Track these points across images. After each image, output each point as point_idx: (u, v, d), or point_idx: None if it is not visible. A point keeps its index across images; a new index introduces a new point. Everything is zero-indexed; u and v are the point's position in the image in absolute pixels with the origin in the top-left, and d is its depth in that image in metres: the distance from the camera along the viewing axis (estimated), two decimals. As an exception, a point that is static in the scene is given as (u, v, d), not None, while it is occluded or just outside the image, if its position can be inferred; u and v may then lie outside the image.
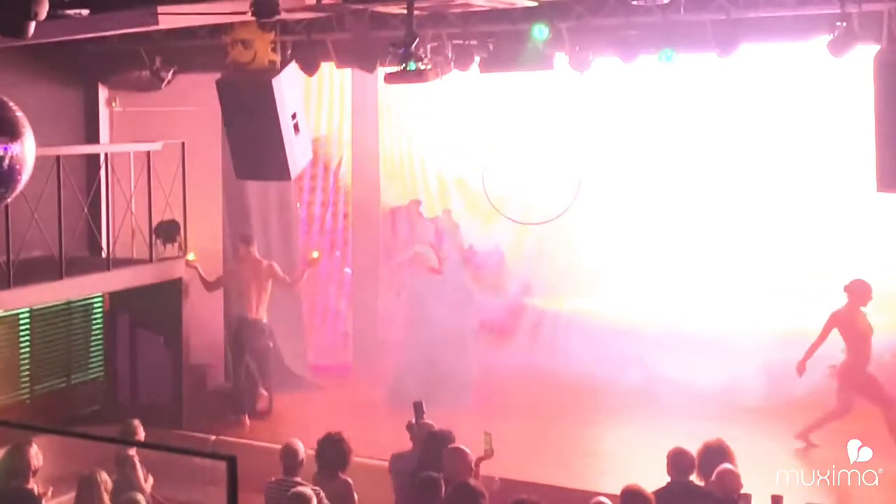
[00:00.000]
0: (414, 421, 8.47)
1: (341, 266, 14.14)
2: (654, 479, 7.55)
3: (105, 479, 7.73)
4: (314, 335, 13.81)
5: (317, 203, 14.11)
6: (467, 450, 7.76)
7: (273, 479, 7.84)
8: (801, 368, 10.55)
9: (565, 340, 13.28)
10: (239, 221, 12.89)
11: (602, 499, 7.18)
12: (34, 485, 7.48)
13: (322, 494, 7.33)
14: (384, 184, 14.54)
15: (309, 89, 12.82)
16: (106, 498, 7.64)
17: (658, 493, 7.28)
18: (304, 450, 7.93)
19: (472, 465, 7.70)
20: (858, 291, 10.57)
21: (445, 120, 14.67)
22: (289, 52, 11.03)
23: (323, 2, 9.46)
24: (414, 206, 14.46)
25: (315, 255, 12.41)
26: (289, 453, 7.87)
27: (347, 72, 13.44)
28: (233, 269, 12.29)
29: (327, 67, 12.77)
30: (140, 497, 7.70)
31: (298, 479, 7.69)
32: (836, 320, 10.59)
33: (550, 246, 14.18)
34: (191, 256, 11.87)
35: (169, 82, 12.03)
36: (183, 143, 11.65)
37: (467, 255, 13.75)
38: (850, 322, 10.57)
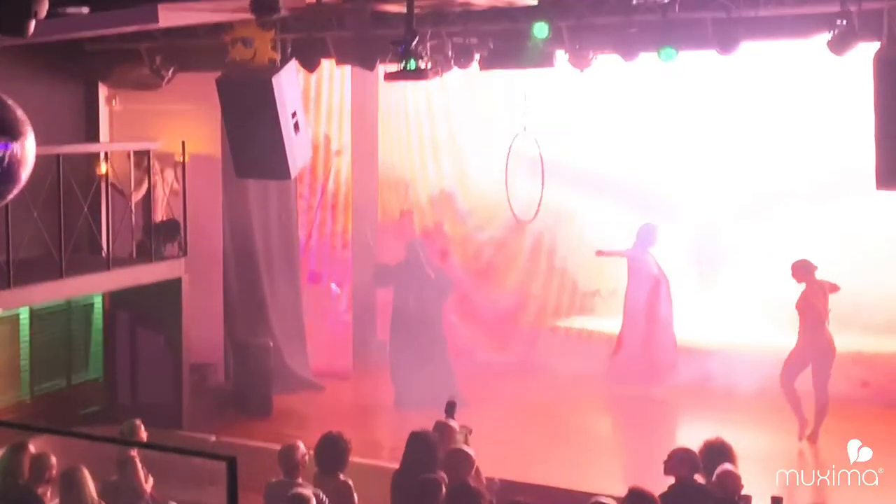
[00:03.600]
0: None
1: (342, 268, 14.09)
2: (655, 479, 7.53)
3: (87, 475, 7.59)
4: (315, 336, 13.77)
5: (316, 207, 14.04)
6: (470, 451, 7.75)
7: (273, 480, 7.82)
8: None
9: (564, 344, 13.26)
10: (239, 220, 12.87)
11: (602, 499, 7.16)
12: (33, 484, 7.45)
13: (322, 496, 7.30)
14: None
15: (308, 99, 12.76)
16: (91, 494, 7.53)
17: (663, 496, 7.24)
18: (305, 451, 7.90)
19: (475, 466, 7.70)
20: (803, 270, 10.77)
21: (441, 125, 14.65)
22: (289, 50, 11.01)
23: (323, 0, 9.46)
24: (406, 218, 14.40)
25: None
26: (285, 455, 7.83)
27: (347, 84, 13.42)
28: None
29: (327, 74, 12.79)
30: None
31: (298, 481, 7.66)
32: (801, 310, 10.80)
33: (547, 251, 14.16)
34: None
35: (169, 81, 12.01)
36: (183, 142, 11.64)
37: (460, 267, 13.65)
38: (810, 305, 10.73)
